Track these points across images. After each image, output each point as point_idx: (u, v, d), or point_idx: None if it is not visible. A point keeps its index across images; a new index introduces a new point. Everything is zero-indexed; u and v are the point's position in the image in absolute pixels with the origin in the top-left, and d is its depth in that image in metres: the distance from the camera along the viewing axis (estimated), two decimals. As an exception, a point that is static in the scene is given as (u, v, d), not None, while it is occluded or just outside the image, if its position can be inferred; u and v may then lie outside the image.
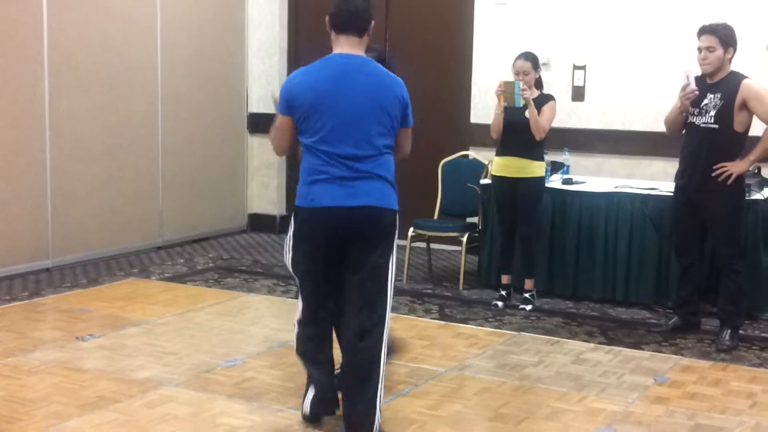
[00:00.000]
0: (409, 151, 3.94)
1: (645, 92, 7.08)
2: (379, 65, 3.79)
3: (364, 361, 3.73)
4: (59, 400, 4.23)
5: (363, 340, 3.71)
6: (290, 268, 3.98)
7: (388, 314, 3.78)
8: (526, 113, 5.84)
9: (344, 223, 3.67)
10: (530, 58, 5.96)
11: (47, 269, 6.89)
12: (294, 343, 4.02)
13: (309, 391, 3.96)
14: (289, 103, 3.71)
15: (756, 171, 6.21)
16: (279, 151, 3.96)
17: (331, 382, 3.94)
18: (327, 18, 3.78)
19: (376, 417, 3.74)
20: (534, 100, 5.91)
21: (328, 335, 3.97)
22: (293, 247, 3.90)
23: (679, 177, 5.50)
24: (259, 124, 8.73)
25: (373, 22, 3.77)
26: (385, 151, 3.74)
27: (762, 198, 5.94)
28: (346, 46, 3.74)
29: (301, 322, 3.96)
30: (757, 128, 5.37)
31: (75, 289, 6.37)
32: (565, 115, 7.07)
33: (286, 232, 4.06)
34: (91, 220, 7.26)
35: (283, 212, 8.85)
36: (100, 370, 4.66)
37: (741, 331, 5.45)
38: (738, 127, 5.24)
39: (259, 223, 8.86)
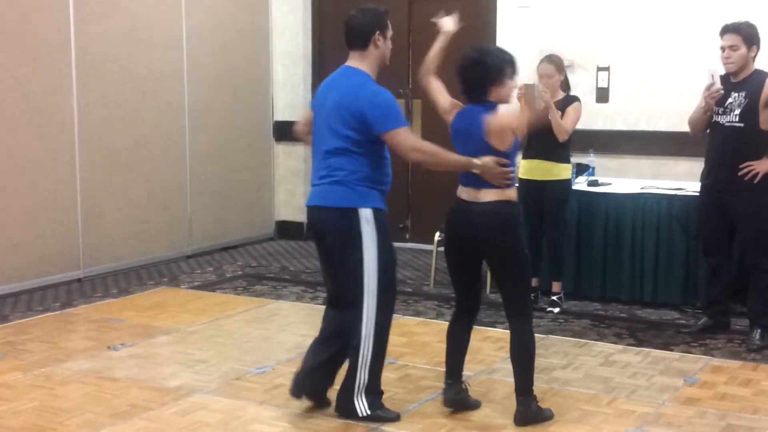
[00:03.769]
0: (407, 154, 4.01)
1: (669, 92, 7.05)
2: (354, 76, 4.04)
3: None
4: (92, 409, 4.29)
5: None
6: (381, 277, 4.02)
7: None
8: (549, 115, 5.83)
9: None
10: (554, 61, 5.96)
11: (78, 280, 6.97)
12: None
13: None
14: None
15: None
16: None
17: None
18: None
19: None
20: (559, 101, 5.91)
21: None
22: (387, 250, 4.06)
23: (705, 177, 5.48)
24: (284, 131, 8.77)
25: (377, 33, 4.04)
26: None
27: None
28: (349, 60, 4.10)
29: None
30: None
31: (106, 299, 6.44)
32: (590, 116, 7.05)
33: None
34: (121, 231, 7.33)
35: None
36: (131, 379, 4.71)
37: (771, 331, 5.42)
38: (764, 125, 5.21)
39: (287, 230, 8.91)
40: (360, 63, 4.06)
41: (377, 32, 4.04)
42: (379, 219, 4.00)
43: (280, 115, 8.81)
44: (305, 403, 4.35)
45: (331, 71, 4.18)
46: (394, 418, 4.15)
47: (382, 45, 4.07)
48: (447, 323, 5.48)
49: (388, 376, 4.76)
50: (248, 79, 8.59)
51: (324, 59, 8.67)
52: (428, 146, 4.01)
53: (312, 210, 4.11)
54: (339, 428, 4.08)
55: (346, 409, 4.12)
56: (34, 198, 6.65)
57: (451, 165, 4.04)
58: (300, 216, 8.86)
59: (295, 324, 5.83)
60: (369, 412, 4.09)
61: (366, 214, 3.97)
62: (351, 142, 3.97)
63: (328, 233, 4.06)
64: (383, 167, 4.06)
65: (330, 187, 4.01)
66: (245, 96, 8.57)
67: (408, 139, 3.97)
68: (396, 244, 8.11)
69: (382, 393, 4.19)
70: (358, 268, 3.98)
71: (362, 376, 4.05)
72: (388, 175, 4.11)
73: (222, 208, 8.31)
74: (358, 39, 4.06)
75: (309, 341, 5.29)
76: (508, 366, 4.91)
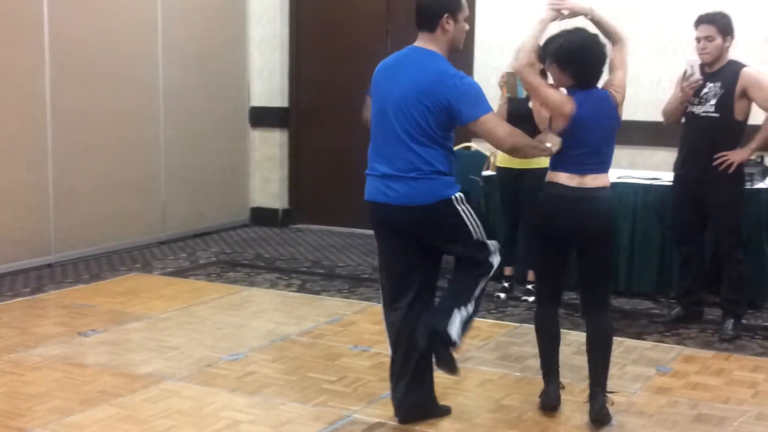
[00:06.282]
0: (500, 142, 3.87)
1: (647, 82, 7.05)
2: (430, 60, 3.81)
3: None
4: (61, 395, 4.24)
5: None
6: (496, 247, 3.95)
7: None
8: (530, 104, 5.80)
9: None
10: (534, 47, 5.92)
11: (49, 265, 6.89)
12: None
13: None
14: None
15: (759, 160, 6.18)
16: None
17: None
18: None
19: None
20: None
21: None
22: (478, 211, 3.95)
23: (679, 167, 5.49)
24: (260, 117, 8.72)
25: (445, 16, 3.80)
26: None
27: (765, 187, 5.92)
28: (418, 40, 3.87)
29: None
30: (755, 117, 5.35)
31: (77, 285, 6.38)
32: (567, 105, 7.04)
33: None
34: (93, 216, 7.26)
35: (286, 206, 8.84)
36: (102, 366, 4.66)
37: (744, 321, 5.44)
38: (738, 115, 5.24)
39: (262, 217, 8.86)
40: (430, 45, 3.83)
41: (446, 15, 3.79)
42: (466, 194, 3.90)
43: (257, 101, 8.74)
44: (278, 390, 4.33)
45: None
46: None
47: (452, 29, 3.81)
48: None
49: (361, 363, 4.75)
50: (224, 64, 8.52)
51: (301, 45, 8.61)
52: (520, 132, 3.89)
53: (395, 209, 3.84)
54: (311, 415, 4.05)
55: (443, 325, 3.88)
56: (4, 181, 6.55)
57: (536, 151, 4.00)
58: (275, 203, 8.82)
59: (268, 311, 5.79)
60: (458, 340, 3.88)
61: (458, 197, 3.84)
62: (431, 131, 3.77)
63: (427, 230, 3.87)
64: (453, 156, 3.92)
65: (418, 183, 3.80)
66: (221, 81, 8.50)
67: (501, 125, 3.88)
68: (371, 232, 8.20)
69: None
70: (475, 238, 3.87)
71: (469, 307, 3.92)
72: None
73: (196, 193, 8.24)
74: (426, 21, 3.82)
75: (283, 329, 5.32)
76: (482, 354, 4.92)
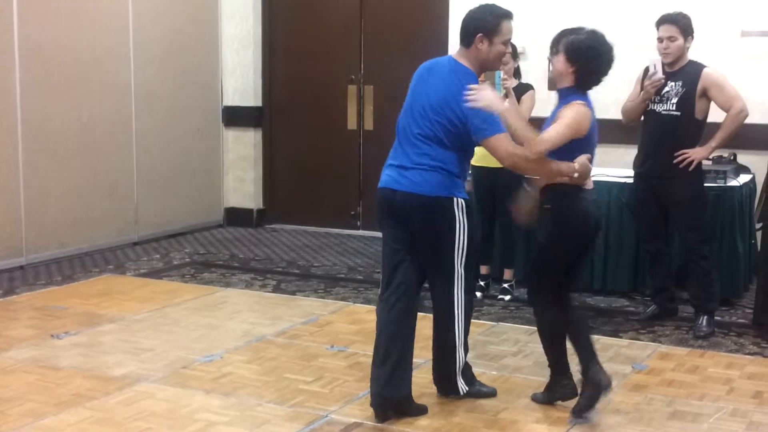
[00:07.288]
0: (503, 160, 3.96)
1: (620, 80, 6.98)
2: (461, 75, 3.95)
3: None
4: (34, 398, 4.19)
5: None
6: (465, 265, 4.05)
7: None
8: (507, 103, 5.81)
9: None
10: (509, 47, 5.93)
11: (21, 267, 6.81)
12: None
13: None
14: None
15: (732, 158, 6.24)
16: None
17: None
18: None
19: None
20: (513, 89, 5.89)
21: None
22: (471, 236, 4.03)
23: (639, 164, 5.56)
24: (234, 117, 8.68)
25: (479, 35, 3.96)
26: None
27: (738, 184, 5.96)
28: (457, 52, 4.08)
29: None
30: (714, 116, 5.41)
31: (49, 287, 6.31)
32: (542, 104, 7.03)
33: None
34: (65, 217, 7.19)
35: (260, 206, 8.80)
36: (75, 368, 4.61)
37: (718, 318, 5.48)
38: (698, 114, 5.33)
39: (236, 217, 8.81)
40: (464, 60, 4.01)
41: (480, 34, 3.96)
42: (468, 207, 4.01)
43: (230, 100, 8.69)
44: (253, 391, 4.30)
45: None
46: (492, 392, 4.28)
47: (485, 49, 3.99)
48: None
49: (338, 363, 4.73)
50: (197, 63, 8.47)
51: (274, 43, 8.57)
52: (522, 151, 3.90)
53: (402, 195, 3.95)
54: (287, 415, 4.03)
55: (449, 390, 4.22)
56: (-25, 183, 6.49)
57: (549, 172, 3.93)
58: (249, 203, 8.78)
59: (243, 312, 5.76)
60: (468, 389, 4.20)
61: (461, 204, 3.96)
62: (447, 140, 3.93)
63: (424, 220, 3.96)
64: (468, 162, 4.12)
65: (429, 174, 3.92)
66: (194, 80, 8.44)
67: (504, 146, 3.89)
68: (347, 232, 8.22)
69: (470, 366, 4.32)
70: (455, 255, 3.99)
71: (460, 355, 4.14)
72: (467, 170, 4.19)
73: (170, 194, 8.18)
74: (463, 36, 4.02)
75: (258, 329, 5.29)
76: (459, 353, 4.90)
